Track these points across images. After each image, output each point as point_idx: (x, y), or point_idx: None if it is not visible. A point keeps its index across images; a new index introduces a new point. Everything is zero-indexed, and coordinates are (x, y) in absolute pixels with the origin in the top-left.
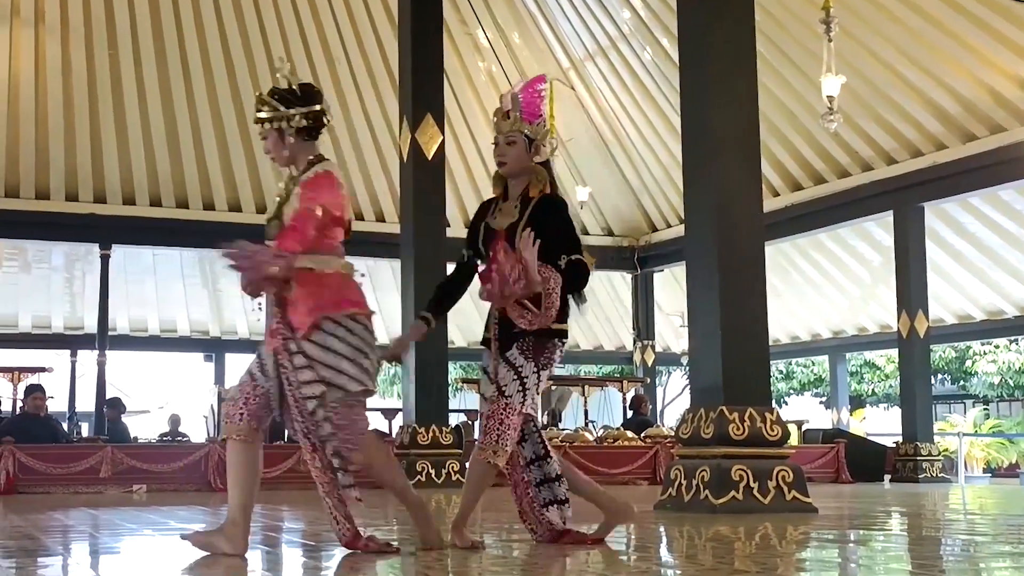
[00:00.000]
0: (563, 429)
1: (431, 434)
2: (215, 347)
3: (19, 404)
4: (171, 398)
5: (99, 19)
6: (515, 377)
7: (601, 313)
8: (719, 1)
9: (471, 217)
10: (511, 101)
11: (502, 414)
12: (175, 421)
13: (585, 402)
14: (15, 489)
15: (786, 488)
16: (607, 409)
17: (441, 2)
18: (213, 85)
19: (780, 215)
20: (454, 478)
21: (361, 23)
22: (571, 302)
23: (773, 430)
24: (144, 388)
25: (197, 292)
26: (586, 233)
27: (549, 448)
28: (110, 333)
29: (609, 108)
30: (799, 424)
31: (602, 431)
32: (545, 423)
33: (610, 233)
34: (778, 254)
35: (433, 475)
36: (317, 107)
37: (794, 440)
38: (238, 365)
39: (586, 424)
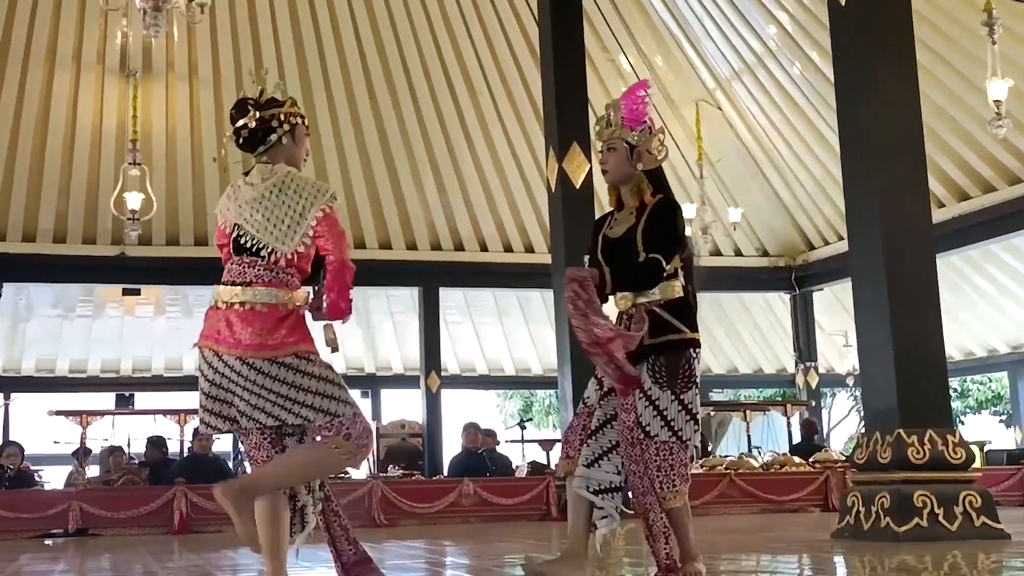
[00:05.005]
0: (726, 456)
1: None
2: (371, 383)
3: (187, 445)
4: None
5: (248, 68)
6: (655, 414)
7: (760, 335)
8: (875, 9)
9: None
10: (613, 108)
11: (658, 459)
12: None
13: (747, 427)
14: (189, 528)
15: (974, 514)
16: (770, 434)
17: (583, 30)
18: (360, 127)
19: (947, 227)
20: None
21: (502, 54)
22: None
23: (956, 453)
24: None
25: (351, 330)
26: (739, 254)
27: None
28: None
29: (758, 126)
30: (981, 445)
31: (769, 457)
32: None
33: (765, 253)
34: (946, 268)
35: None
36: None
37: (978, 463)
38: (394, 400)
39: (749, 450)
